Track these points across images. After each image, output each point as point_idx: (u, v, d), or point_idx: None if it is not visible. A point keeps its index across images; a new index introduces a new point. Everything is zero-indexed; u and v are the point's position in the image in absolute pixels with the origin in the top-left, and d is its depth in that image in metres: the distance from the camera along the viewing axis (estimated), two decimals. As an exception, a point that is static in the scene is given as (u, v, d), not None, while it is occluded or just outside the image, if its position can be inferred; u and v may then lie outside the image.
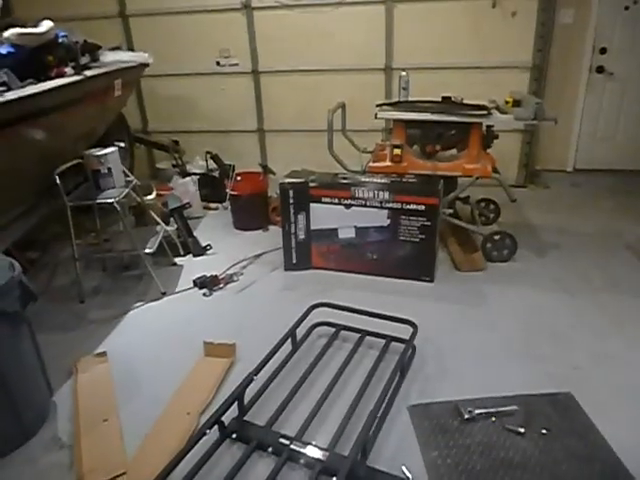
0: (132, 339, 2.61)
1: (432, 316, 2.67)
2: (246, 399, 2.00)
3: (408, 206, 2.87)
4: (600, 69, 4.56)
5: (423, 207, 2.86)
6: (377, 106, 3.19)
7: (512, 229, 3.32)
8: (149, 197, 3.34)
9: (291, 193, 3.01)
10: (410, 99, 3.30)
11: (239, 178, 3.92)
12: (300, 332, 2.46)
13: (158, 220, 3.23)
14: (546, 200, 4.45)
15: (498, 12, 4.40)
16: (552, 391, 2.14)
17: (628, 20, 4.42)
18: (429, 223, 2.89)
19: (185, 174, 4.27)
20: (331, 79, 4.82)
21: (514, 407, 2.05)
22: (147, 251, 2.92)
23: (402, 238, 2.95)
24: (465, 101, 3.19)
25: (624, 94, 4.61)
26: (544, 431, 1.94)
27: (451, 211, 3.26)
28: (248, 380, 2.00)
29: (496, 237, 3.23)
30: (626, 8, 4.40)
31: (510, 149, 4.67)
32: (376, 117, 3.14)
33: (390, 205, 2.91)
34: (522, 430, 1.94)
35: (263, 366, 2.13)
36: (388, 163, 3.15)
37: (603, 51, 4.53)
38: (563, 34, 4.51)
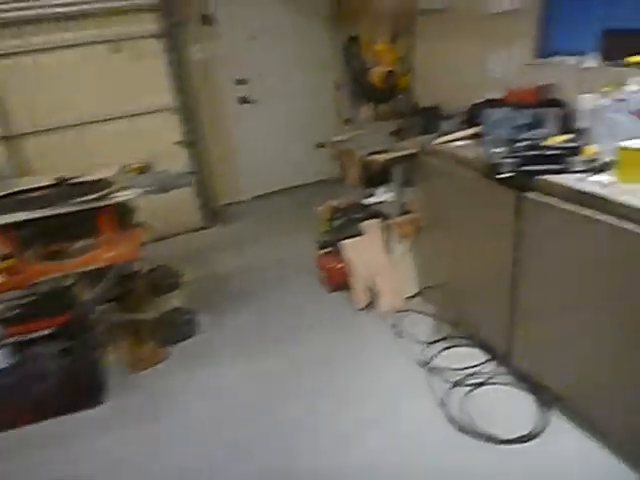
0: None
1: (100, 458, 2.17)
2: None
3: (34, 334, 2.28)
4: (245, 99, 4.63)
5: (56, 329, 2.30)
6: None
7: (198, 286, 3.07)
8: None
9: None
10: (12, 190, 2.65)
11: None
12: None
13: None
14: (231, 237, 4.34)
15: (126, 57, 4.03)
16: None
17: (257, 49, 4.56)
18: (73, 342, 2.36)
19: None
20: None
21: None
22: None
23: (41, 372, 2.34)
24: (83, 179, 2.71)
25: (273, 117, 4.80)
26: None
27: (107, 306, 2.78)
28: None
29: (170, 316, 2.89)
30: (252, 38, 4.53)
31: (184, 193, 4.41)
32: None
33: (13, 340, 2.27)
34: None
35: None
36: (1, 279, 2.47)
37: (243, 81, 4.60)
38: (201, 70, 4.42)
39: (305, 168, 4.91)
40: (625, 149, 1.76)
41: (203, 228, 4.52)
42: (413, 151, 2.75)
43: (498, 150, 2.14)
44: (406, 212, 3.06)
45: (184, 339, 2.92)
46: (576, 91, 2.34)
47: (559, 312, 2.03)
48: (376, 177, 3.34)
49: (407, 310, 3.00)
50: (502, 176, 2.03)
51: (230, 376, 2.63)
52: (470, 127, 2.63)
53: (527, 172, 1.98)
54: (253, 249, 4.02)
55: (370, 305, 3.06)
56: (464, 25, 3.18)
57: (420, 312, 2.97)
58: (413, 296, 3.09)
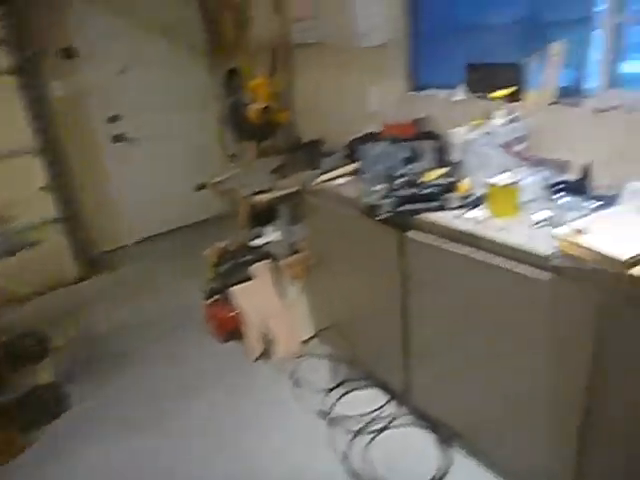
0: None
1: None
2: None
3: None
4: (119, 137, 4.29)
5: None
6: None
7: (72, 351, 2.87)
8: None
9: None
10: None
11: None
12: None
13: None
14: (113, 288, 3.94)
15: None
16: None
17: (131, 84, 4.27)
18: None
19: None
20: None
21: None
22: None
23: None
24: None
25: (153, 155, 4.50)
26: None
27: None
28: None
29: (34, 393, 2.49)
30: (123, 72, 4.23)
31: (55, 244, 3.95)
32: None
33: None
34: None
35: None
36: None
37: (116, 118, 4.27)
38: (66, 108, 4.03)
39: (192, 206, 4.64)
40: (493, 185, 1.76)
41: (81, 280, 4.07)
42: (295, 189, 2.64)
43: (377, 187, 2.08)
44: (296, 251, 2.94)
45: (53, 419, 2.52)
46: (448, 124, 2.37)
47: (448, 348, 1.99)
48: (264, 216, 3.20)
49: (305, 355, 2.86)
50: (381, 217, 1.96)
51: (107, 458, 2.29)
52: (351, 163, 2.57)
53: (405, 211, 1.93)
54: (137, 300, 3.67)
55: (266, 353, 2.87)
56: (341, 58, 3.16)
57: (318, 355, 2.84)
58: (310, 338, 2.95)
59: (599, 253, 1.33)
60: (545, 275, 1.52)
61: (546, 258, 1.49)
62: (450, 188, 1.96)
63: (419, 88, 2.78)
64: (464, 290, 1.81)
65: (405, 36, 2.76)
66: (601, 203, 1.68)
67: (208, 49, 4.54)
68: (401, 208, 1.93)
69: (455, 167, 2.21)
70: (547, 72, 2.13)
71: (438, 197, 1.91)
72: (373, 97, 2.99)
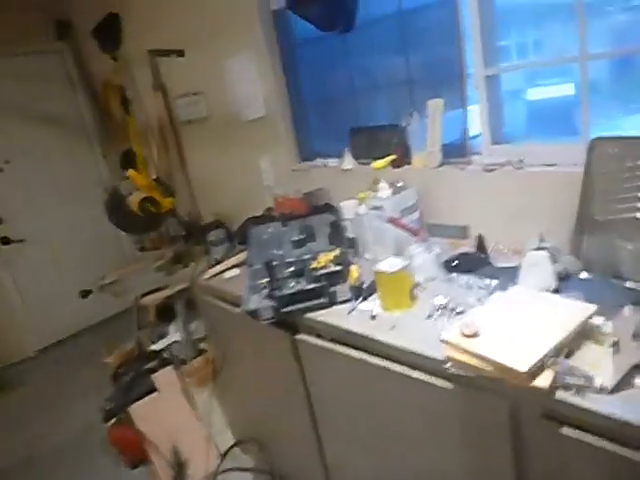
0: None
1: None
2: None
3: None
4: (5, 240, 3.88)
5: None
6: None
7: None
8: None
9: None
10: None
11: None
12: None
13: None
14: (7, 413, 3.41)
15: None
16: None
17: (13, 180, 3.90)
18: None
19: None
20: None
21: None
22: None
23: None
24: None
25: (49, 253, 4.08)
26: None
27: None
28: None
29: None
30: (1, 170, 3.87)
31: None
32: None
33: None
34: None
35: None
36: None
37: (0, 220, 3.87)
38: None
39: (95, 304, 4.11)
40: (380, 273, 1.52)
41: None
42: (184, 286, 2.34)
43: (260, 282, 1.82)
44: (200, 352, 2.61)
45: None
46: (341, 195, 2.17)
47: (362, 461, 1.70)
48: (167, 313, 2.86)
49: (225, 471, 2.47)
50: (265, 321, 1.68)
51: None
52: (244, 249, 2.31)
53: (292, 312, 1.66)
54: (34, 426, 3.17)
55: (180, 476, 2.47)
56: (228, 133, 2.96)
57: (239, 469, 2.46)
58: (230, 448, 2.57)
59: (496, 363, 1.09)
60: (444, 382, 1.27)
61: (442, 363, 1.24)
62: (340, 276, 1.72)
63: (309, 158, 2.59)
64: (365, 398, 1.54)
65: (287, 106, 2.59)
66: (499, 281, 1.48)
67: (100, 134, 4.25)
68: (285, 309, 1.66)
69: (350, 245, 1.99)
70: (429, 132, 1.97)
71: (326, 291, 1.66)
72: (265, 171, 2.78)
